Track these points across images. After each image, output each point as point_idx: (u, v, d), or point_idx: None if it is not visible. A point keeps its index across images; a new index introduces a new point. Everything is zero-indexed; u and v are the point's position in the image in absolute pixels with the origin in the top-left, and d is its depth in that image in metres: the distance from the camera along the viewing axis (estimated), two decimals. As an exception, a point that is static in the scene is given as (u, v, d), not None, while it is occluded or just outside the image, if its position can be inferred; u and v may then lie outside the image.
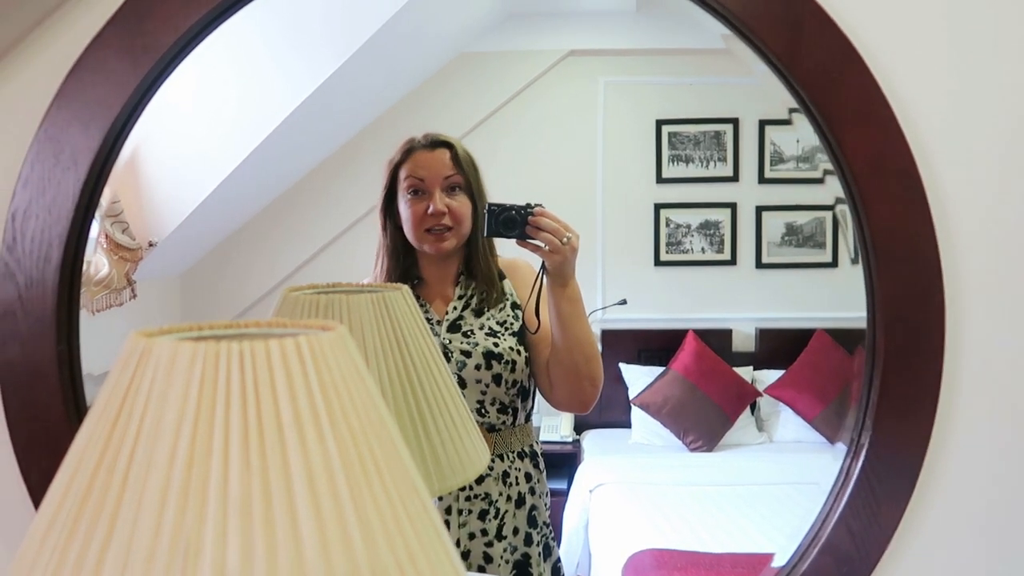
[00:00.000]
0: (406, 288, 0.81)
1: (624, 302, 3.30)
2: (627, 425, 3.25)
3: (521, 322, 1.36)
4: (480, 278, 1.37)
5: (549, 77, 3.36)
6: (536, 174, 3.23)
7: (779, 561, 0.97)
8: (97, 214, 2.43)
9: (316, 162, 3.36)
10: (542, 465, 1.42)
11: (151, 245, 2.80)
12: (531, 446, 1.39)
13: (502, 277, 1.40)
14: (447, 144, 1.36)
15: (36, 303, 0.74)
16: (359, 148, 3.36)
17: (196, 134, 2.65)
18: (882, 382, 0.76)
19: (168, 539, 0.41)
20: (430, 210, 1.32)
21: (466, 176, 1.34)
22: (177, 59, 0.71)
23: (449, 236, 1.34)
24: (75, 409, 0.76)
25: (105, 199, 2.36)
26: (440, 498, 1.31)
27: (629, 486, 2.80)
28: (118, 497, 0.42)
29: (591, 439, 3.21)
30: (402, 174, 1.36)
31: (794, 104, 0.79)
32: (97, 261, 2.57)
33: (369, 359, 0.74)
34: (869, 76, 0.77)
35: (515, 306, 1.37)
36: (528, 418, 1.40)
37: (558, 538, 1.46)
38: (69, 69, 0.71)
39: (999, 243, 0.84)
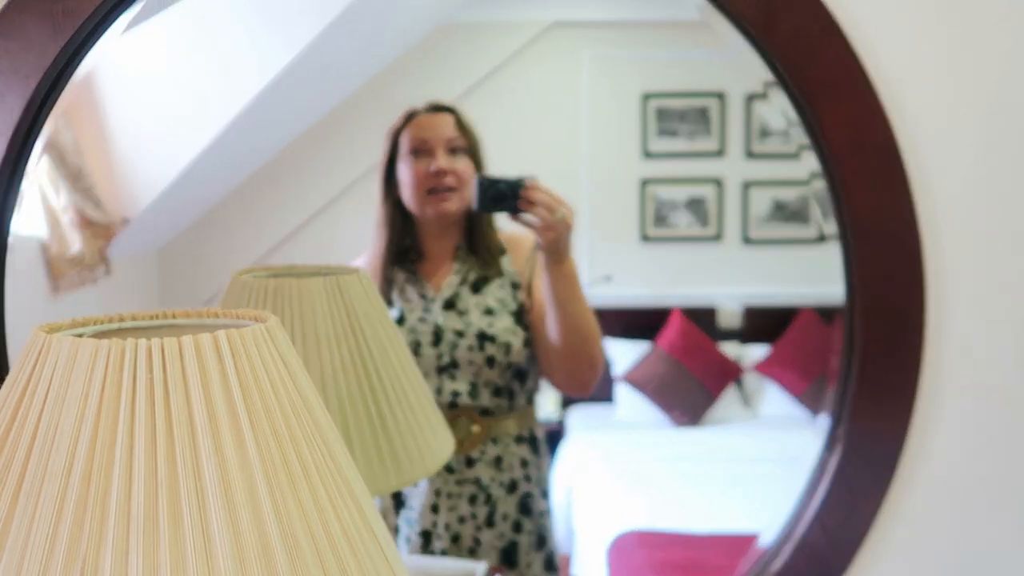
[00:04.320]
0: (363, 271, 0.76)
1: (609, 278, 3.26)
2: (612, 401, 3.23)
3: (520, 301, 1.30)
4: (480, 252, 1.31)
5: (532, 50, 3.29)
6: (519, 149, 3.16)
7: (764, 541, 0.94)
8: (64, 188, 2.36)
9: (294, 135, 3.29)
10: (543, 451, 1.36)
11: (125, 221, 2.74)
12: (531, 431, 1.33)
13: (502, 252, 1.34)
14: (450, 109, 1.31)
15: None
16: (337, 121, 3.29)
17: (169, 108, 2.58)
18: (859, 372, 0.72)
19: (62, 560, 0.37)
20: (433, 168, 1.26)
21: (469, 140, 1.30)
22: (103, 25, 0.65)
23: (452, 197, 1.28)
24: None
25: (43, 173, 2.29)
26: (430, 480, 1.26)
27: (614, 463, 2.78)
28: (8, 510, 0.38)
29: (576, 416, 3.19)
30: (404, 138, 1.30)
31: (771, 77, 0.75)
32: (68, 237, 2.51)
33: (321, 346, 0.70)
34: (848, 47, 0.71)
35: (515, 284, 1.32)
36: (530, 401, 1.33)
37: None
38: None
39: (985, 225, 0.79)
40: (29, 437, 0.39)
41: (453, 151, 1.28)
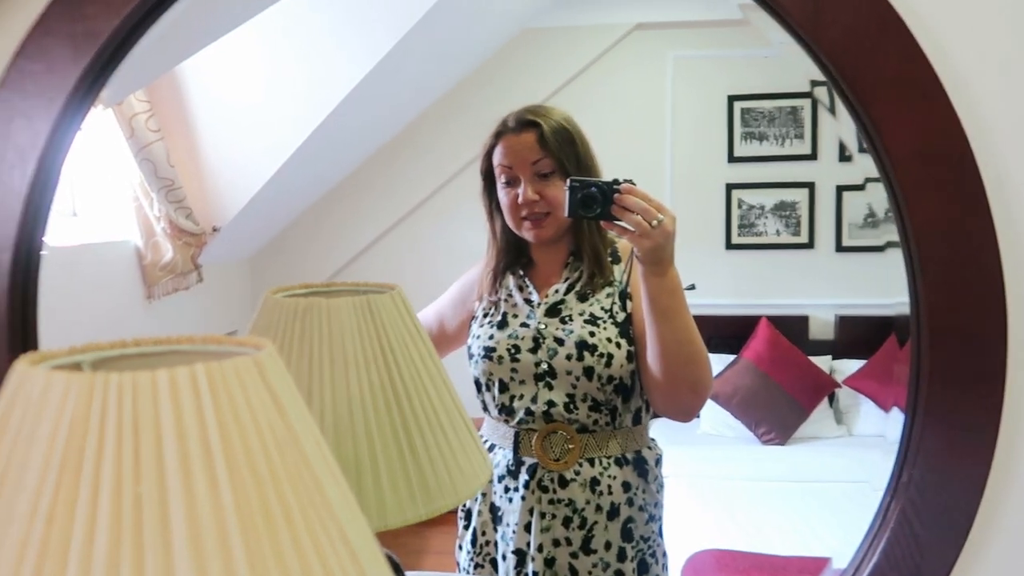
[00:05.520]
0: (398, 290, 0.74)
1: (693, 287, 3.16)
2: (696, 415, 3.13)
3: (627, 312, 1.23)
4: (586, 261, 1.25)
5: (615, 53, 3.23)
6: (602, 154, 3.10)
7: (838, 563, 0.87)
8: (158, 199, 2.46)
9: (380, 143, 3.35)
10: (653, 475, 1.27)
11: (215, 230, 2.84)
12: (638, 452, 1.25)
13: (617, 260, 1.27)
14: (534, 124, 1.22)
15: (-13, 308, 0.71)
16: (422, 128, 3.33)
17: (256, 120, 2.65)
18: (928, 409, 0.63)
19: (20, 608, 0.35)
20: (520, 200, 1.21)
21: (557, 158, 1.20)
22: (124, 47, 0.66)
23: (547, 223, 1.22)
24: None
25: (146, 185, 2.38)
26: (523, 497, 1.23)
27: (694, 479, 2.68)
28: (-25, 554, 0.37)
29: (657, 429, 3.08)
30: (494, 161, 1.26)
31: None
32: (162, 246, 2.62)
33: (349, 368, 0.67)
34: (911, 41, 0.63)
35: (624, 294, 1.24)
36: (638, 421, 1.25)
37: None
38: (11, 59, 0.67)
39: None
40: (-1, 475, 0.38)
41: (541, 175, 1.21)
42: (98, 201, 2.42)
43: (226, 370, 0.40)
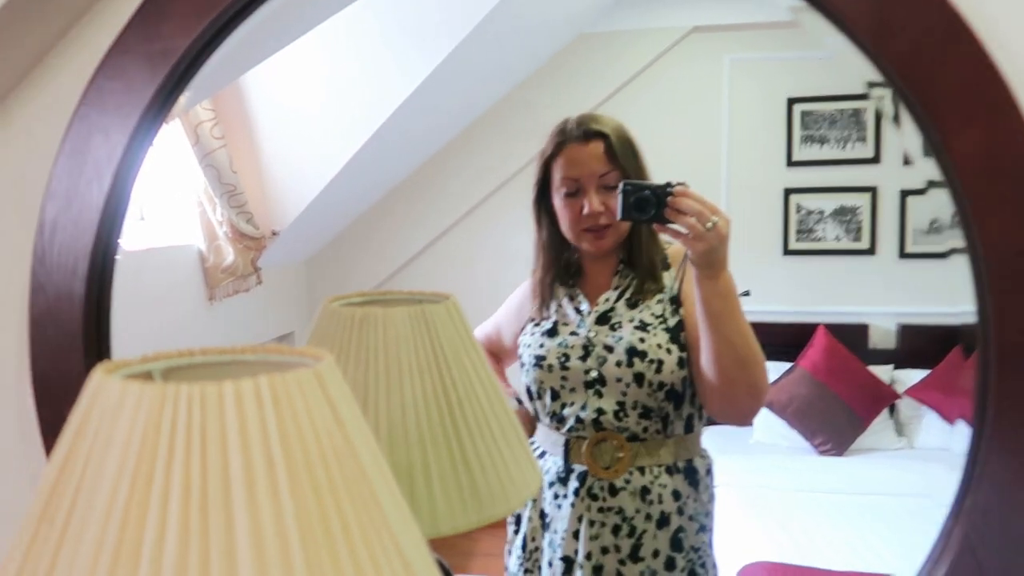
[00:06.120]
0: (452, 299, 0.75)
1: (748, 293, 3.11)
2: (749, 424, 3.08)
3: (679, 317, 1.22)
4: (641, 269, 1.25)
5: (671, 56, 3.21)
6: (657, 158, 3.06)
7: None
8: (220, 204, 2.53)
9: (436, 148, 3.38)
10: (704, 484, 1.27)
11: (274, 234, 2.91)
12: (690, 461, 1.25)
13: (666, 267, 1.27)
14: (601, 134, 1.21)
15: (65, 316, 0.74)
16: (478, 133, 3.35)
17: (315, 128, 2.71)
18: (994, 430, 0.61)
19: (96, 607, 0.37)
20: (585, 211, 1.21)
21: (623, 170, 1.20)
22: (196, 63, 0.68)
23: (608, 234, 1.23)
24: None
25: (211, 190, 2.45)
26: (573, 504, 1.23)
27: (747, 489, 2.64)
28: (54, 553, 0.39)
29: (709, 437, 3.05)
30: (555, 170, 1.25)
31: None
32: (224, 249, 2.70)
33: (404, 377, 0.69)
34: (982, 53, 0.61)
35: (675, 299, 1.24)
36: (690, 429, 1.25)
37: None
38: (90, 77, 0.71)
39: None
40: (77, 480, 0.40)
41: (608, 187, 1.20)
42: (164, 206, 2.50)
43: (288, 382, 0.42)
